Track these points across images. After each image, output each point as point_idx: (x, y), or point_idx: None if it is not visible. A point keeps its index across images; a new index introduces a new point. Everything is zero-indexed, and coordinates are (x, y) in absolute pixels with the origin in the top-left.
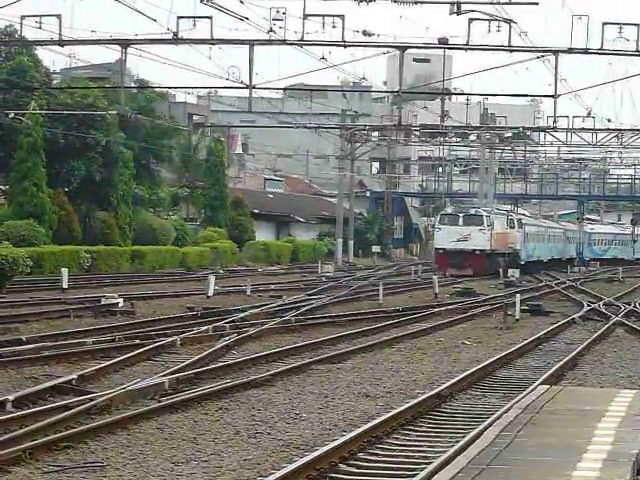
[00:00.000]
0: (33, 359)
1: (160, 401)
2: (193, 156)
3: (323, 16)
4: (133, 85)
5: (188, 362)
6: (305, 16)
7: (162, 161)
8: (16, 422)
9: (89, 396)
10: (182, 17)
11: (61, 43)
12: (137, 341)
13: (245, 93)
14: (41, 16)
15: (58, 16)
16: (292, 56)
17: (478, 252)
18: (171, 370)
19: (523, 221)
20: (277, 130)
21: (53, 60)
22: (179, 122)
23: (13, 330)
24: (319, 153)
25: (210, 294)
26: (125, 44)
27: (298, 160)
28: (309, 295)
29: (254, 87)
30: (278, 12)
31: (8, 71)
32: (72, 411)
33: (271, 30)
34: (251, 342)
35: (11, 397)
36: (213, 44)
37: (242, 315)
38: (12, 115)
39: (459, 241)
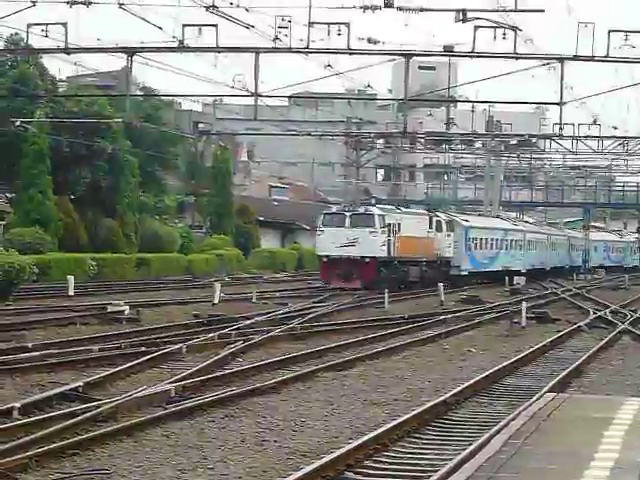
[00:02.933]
0: (39, 366)
1: (166, 408)
2: (199, 164)
3: (328, 24)
4: (139, 93)
5: (194, 369)
6: (310, 24)
7: (168, 169)
8: (22, 429)
9: (95, 403)
10: (188, 25)
11: (67, 51)
12: (143, 348)
13: (250, 101)
14: (47, 24)
15: (64, 24)
16: (297, 64)
17: (368, 260)
18: (177, 377)
19: (462, 223)
20: (282, 138)
21: (59, 68)
22: (185, 130)
23: (19, 337)
24: (324, 161)
25: (216, 301)
26: (131, 52)
27: (303, 168)
28: (314, 302)
29: (259, 95)
30: (283, 20)
31: (14, 79)
32: (78, 418)
33: (276, 38)
34: (257, 349)
35: (17, 404)
36: (219, 52)
37: (247, 322)
38: (18, 123)
39: (345, 246)
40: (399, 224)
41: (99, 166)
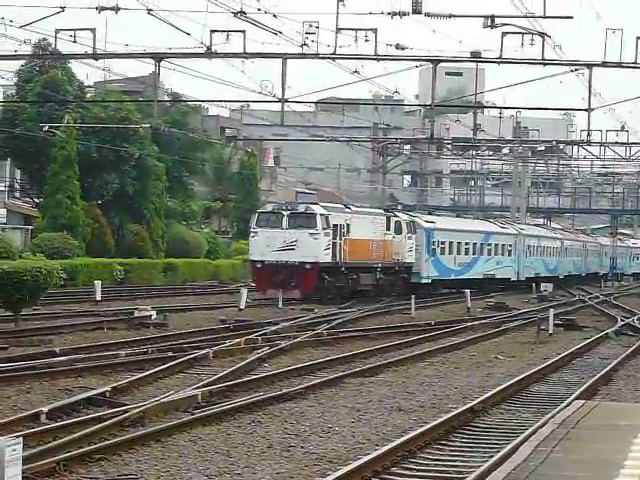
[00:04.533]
0: (67, 371)
1: (193, 414)
2: (226, 169)
3: (356, 30)
4: (166, 98)
5: (221, 375)
6: (338, 30)
7: (195, 174)
8: (50, 434)
9: (123, 408)
10: (215, 31)
11: (95, 57)
12: (170, 353)
13: (277, 107)
14: (75, 30)
15: (92, 30)
16: (324, 70)
17: (308, 266)
18: (204, 383)
19: (423, 225)
20: (309, 143)
21: (87, 74)
22: (212, 135)
23: (47, 342)
24: (350, 166)
25: (242, 307)
26: (159, 58)
27: (330, 173)
28: (341, 308)
29: (286, 101)
30: (311, 26)
31: (42, 85)
32: (106, 423)
33: (304, 44)
34: (283, 355)
35: (45, 409)
36: (246, 58)
37: (274, 328)
38: (46, 128)
39: (282, 250)
40: (348, 225)
41: (126, 171)
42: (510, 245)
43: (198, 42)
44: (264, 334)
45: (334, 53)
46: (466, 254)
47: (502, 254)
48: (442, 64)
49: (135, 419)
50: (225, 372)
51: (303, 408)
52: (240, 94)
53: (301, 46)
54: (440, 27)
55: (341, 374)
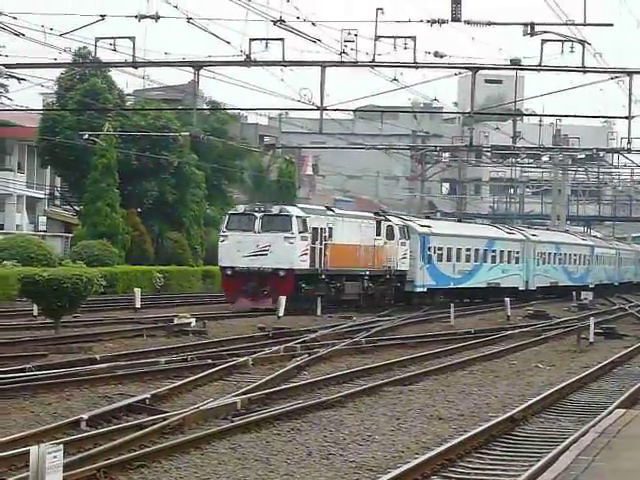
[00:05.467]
0: (107, 378)
1: (233, 421)
2: (264, 177)
3: (395, 37)
4: (205, 107)
5: (260, 382)
6: (377, 37)
7: (234, 182)
8: (90, 441)
9: (162, 415)
10: (254, 39)
11: (135, 65)
12: (209, 361)
13: (316, 115)
14: (115, 38)
15: (132, 38)
16: (363, 77)
17: (283, 273)
18: (243, 390)
19: (418, 229)
20: (347, 151)
21: (127, 82)
22: (250, 143)
23: (87, 349)
24: (389, 174)
25: (281, 314)
26: (198, 66)
27: (368, 181)
28: (379, 316)
29: (325, 109)
30: (350, 34)
31: (82, 93)
32: (146, 430)
33: (343, 52)
34: (322, 363)
35: (85, 416)
36: (285, 66)
37: (313, 335)
38: (86, 136)
39: (254, 256)
40: (330, 229)
41: (166, 179)
42: (517, 252)
43: (237, 50)
44: (303, 342)
45: (373, 61)
46: (467, 261)
47: (508, 261)
48: (481, 72)
49: (175, 426)
50: (264, 380)
51: (342, 416)
52: (279, 102)
53: (340, 54)
54: (479, 35)
55: (380, 382)
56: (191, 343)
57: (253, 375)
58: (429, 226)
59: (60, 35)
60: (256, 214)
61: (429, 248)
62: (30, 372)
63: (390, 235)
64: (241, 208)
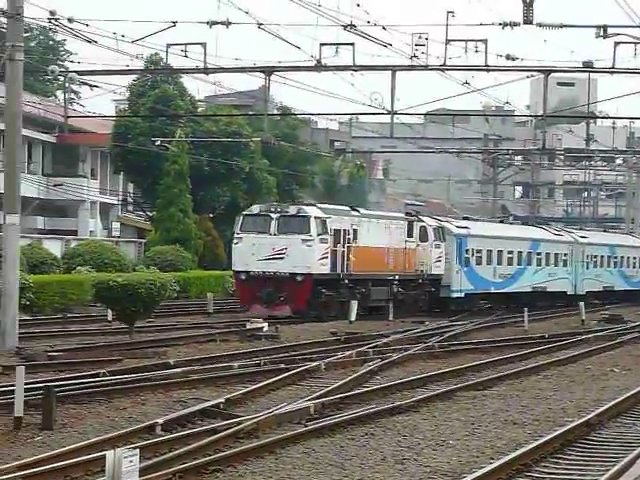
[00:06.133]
0: (181, 383)
1: (306, 426)
2: (335, 182)
3: (466, 41)
4: (276, 112)
5: (333, 387)
6: (447, 41)
7: (304, 187)
8: (165, 445)
9: (236, 420)
10: (325, 44)
11: (206, 71)
12: (282, 365)
13: (386, 119)
14: (186, 44)
15: (203, 44)
16: (434, 81)
17: (300, 278)
18: (316, 395)
19: (454, 230)
20: (418, 155)
21: (198, 88)
22: (321, 148)
23: (161, 354)
24: (461, 178)
25: (352, 319)
26: (269, 71)
27: (439, 185)
28: (452, 321)
29: (396, 113)
30: (420, 38)
31: (154, 99)
32: (220, 434)
33: (414, 56)
34: (395, 368)
35: (160, 420)
36: (355, 70)
37: (385, 340)
38: (158, 143)
39: (270, 259)
40: (355, 230)
41: (237, 185)
42: (565, 254)
43: (308, 55)
44: (375, 346)
45: (444, 64)
46: (509, 264)
47: (555, 264)
48: (554, 74)
49: (249, 431)
50: (337, 384)
51: (416, 421)
52: (349, 107)
53: (411, 58)
54: (552, 37)
55: (454, 387)
56: (264, 348)
57: (326, 380)
58: (467, 227)
59: (132, 42)
60: (272, 215)
61: (467, 250)
62: (105, 377)
63: (423, 237)
64: (256, 209)
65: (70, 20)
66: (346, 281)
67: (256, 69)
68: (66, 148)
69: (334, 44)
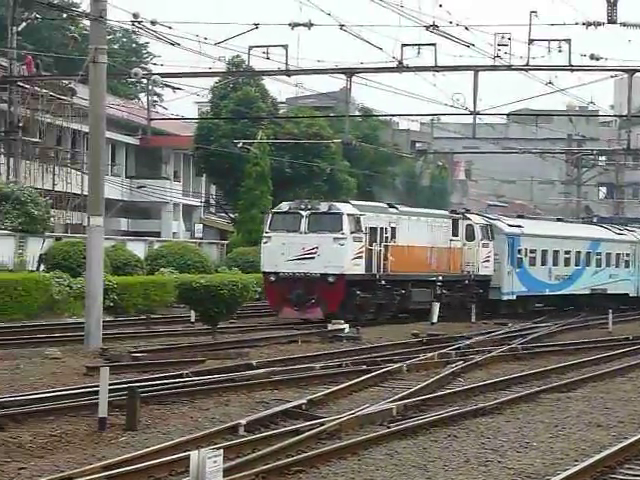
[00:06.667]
0: (264, 383)
1: (389, 427)
2: (417, 183)
3: (549, 41)
4: (357, 113)
5: (415, 389)
6: (530, 41)
7: (385, 188)
8: (248, 446)
9: (319, 421)
10: (406, 45)
11: (288, 73)
12: (364, 367)
13: (469, 119)
14: (268, 46)
15: (285, 46)
16: (517, 81)
17: (332, 279)
18: (399, 396)
19: (505, 229)
20: (501, 156)
21: (280, 90)
22: (402, 149)
23: (244, 355)
24: (544, 178)
25: (434, 320)
26: (350, 73)
27: (522, 186)
28: (535, 323)
29: (478, 113)
30: (503, 38)
31: (236, 102)
32: (302, 435)
33: (496, 56)
34: (477, 370)
35: (243, 421)
36: (437, 71)
37: (467, 342)
38: (240, 145)
39: (300, 259)
40: (393, 229)
41: (318, 186)
42: (627, 254)
43: (389, 56)
44: (457, 348)
45: (527, 64)
46: (566, 265)
47: (617, 265)
48: (638, 74)
49: (331, 432)
50: (419, 386)
51: (499, 423)
52: (431, 107)
53: (493, 58)
54: (636, 37)
55: (537, 389)
56: (345, 349)
57: (408, 381)
58: (519, 225)
59: (215, 44)
60: (302, 212)
61: (519, 250)
62: (188, 378)
63: (470, 236)
64: (285, 206)
65: (153, 23)
66: (383, 282)
67: (338, 70)
68: (149, 150)
69: (416, 45)
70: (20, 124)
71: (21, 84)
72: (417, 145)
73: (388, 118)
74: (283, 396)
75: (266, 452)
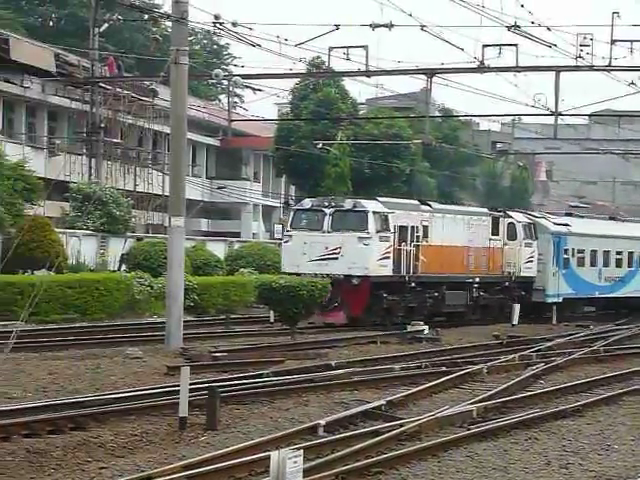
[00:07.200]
0: (343, 384)
1: (469, 429)
2: (497, 183)
3: (632, 41)
4: (437, 114)
5: (495, 390)
6: (613, 41)
7: (465, 189)
8: (328, 447)
9: (398, 422)
10: (488, 45)
11: (368, 74)
12: (443, 368)
13: (550, 120)
14: (348, 47)
15: (365, 47)
16: (599, 81)
17: (356, 281)
18: (479, 398)
19: (550, 228)
20: (582, 156)
21: (359, 91)
22: (483, 150)
23: (323, 355)
24: (627, 179)
25: (515, 322)
26: (431, 73)
27: (604, 187)
28: (617, 325)
29: (560, 114)
30: (585, 38)
31: (316, 102)
32: (382, 437)
33: (579, 56)
34: (558, 372)
35: (323, 422)
36: (518, 71)
37: (549, 344)
38: (320, 145)
39: (323, 260)
40: (425, 227)
41: (398, 187)
42: None
43: (470, 57)
44: (538, 350)
45: (609, 65)
46: (618, 266)
47: None
48: None
49: (411, 433)
50: (499, 388)
51: (580, 426)
52: (512, 108)
53: (575, 58)
54: None
55: (619, 392)
56: (424, 350)
57: (488, 383)
58: (567, 224)
59: (295, 45)
60: (325, 210)
61: (566, 250)
62: (268, 378)
63: (512, 235)
64: (308, 203)
65: (234, 24)
66: (413, 284)
67: (418, 71)
68: (229, 151)
69: (497, 45)
70: (102, 125)
71: (103, 85)
72: (498, 145)
73: (468, 119)
74: (362, 397)
75: (346, 453)
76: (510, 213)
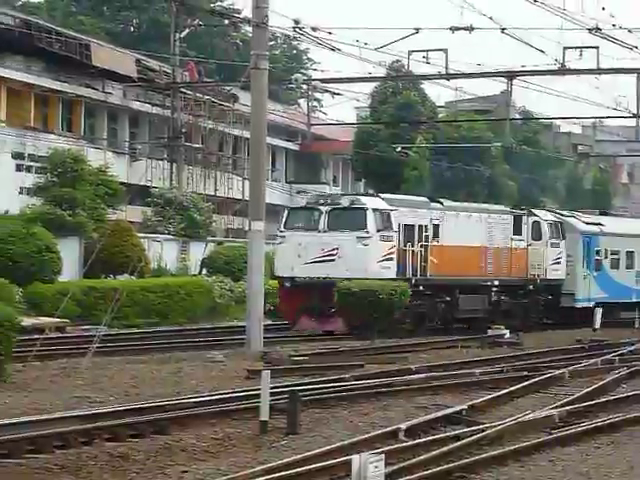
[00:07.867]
0: (423, 388)
1: (551, 434)
2: (578, 186)
3: None
4: (518, 117)
5: (577, 395)
6: None
7: (546, 192)
8: (408, 451)
9: (480, 427)
10: (569, 48)
11: (448, 77)
12: (525, 373)
13: (632, 122)
14: (428, 51)
15: (444, 50)
16: None
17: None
18: (561, 403)
19: (579, 227)
20: None
21: (439, 94)
22: (563, 152)
23: (402, 359)
24: None
25: (597, 326)
26: (511, 76)
27: None
28: None
29: None
30: None
31: (396, 106)
32: (464, 441)
33: None
34: None
35: (403, 426)
36: (600, 74)
37: (631, 348)
38: (399, 149)
39: (318, 262)
40: (435, 226)
41: (478, 191)
42: None
43: (551, 59)
44: (621, 354)
45: None
46: None
47: None
48: None
49: (492, 438)
50: (582, 392)
51: None
52: (593, 110)
53: None
54: None
55: None
56: (505, 355)
57: (570, 388)
58: (599, 223)
59: (375, 49)
60: (321, 208)
61: (597, 252)
62: (348, 382)
63: (537, 234)
64: (303, 201)
65: (314, 29)
66: (421, 288)
67: (499, 74)
68: (308, 155)
69: (578, 47)
70: (183, 130)
71: (184, 90)
72: (579, 148)
73: (549, 121)
74: (442, 401)
75: (427, 457)
76: (535, 211)
